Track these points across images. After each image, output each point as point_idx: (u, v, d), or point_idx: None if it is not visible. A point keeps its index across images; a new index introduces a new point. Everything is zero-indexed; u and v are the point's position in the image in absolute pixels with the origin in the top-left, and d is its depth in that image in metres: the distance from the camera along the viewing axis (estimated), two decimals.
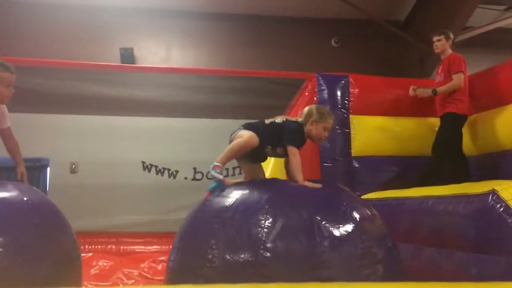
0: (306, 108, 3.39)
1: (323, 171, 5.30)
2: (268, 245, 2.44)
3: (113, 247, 6.13)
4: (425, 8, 7.65)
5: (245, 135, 3.11)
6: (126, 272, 4.55)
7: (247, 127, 3.28)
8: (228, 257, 2.49)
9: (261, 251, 2.43)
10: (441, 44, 4.88)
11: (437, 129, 5.09)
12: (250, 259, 2.44)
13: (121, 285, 4.16)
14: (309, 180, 3.07)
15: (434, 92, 4.90)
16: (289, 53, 8.04)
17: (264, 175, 3.47)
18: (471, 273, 3.05)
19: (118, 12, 7.72)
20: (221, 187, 2.99)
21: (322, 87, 5.55)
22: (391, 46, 8.16)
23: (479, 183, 3.46)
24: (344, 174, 5.29)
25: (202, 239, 2.65)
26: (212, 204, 2.86)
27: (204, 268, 2.54)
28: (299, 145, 3.20)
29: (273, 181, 3.05)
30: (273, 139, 3.22)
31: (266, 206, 2.60)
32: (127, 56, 7.39)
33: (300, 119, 3.33)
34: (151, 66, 7.34)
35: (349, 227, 2.56)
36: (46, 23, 7.62)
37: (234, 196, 2.78)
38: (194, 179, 7.65)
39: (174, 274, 2.78)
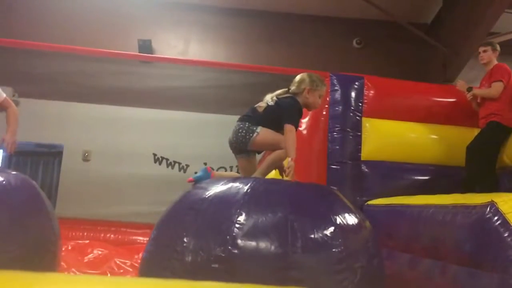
0: (298, 77, 3.37)
1: (329, 173, 5.12)
2: (237, 241, 2.33)
3: (112, 235, 6.15)
4: (451, 12, 7.34)
5: (280, 142, 3.14)
6: (118, 262, 4.50)
7: (246, 120, 3.23)
8: (196, 250, 2.39)
9: (229, 247, 2.31)
10: (487, 56, 4.70)
11: (453, 138, 4.91)
12: (217, 254, 2.32)
13: (109, 275, 4.09)
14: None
15: (469, 90, 4.76)
16: (309, 52, 7.88)
17: (255, 168, 3.41)
18: None
19: (138, 3, 7.73)
20: (206, 178, 3.04)
21: (336, 87, 5.34)
22: (414, 50, 7.88)
23: (481, 194, 3.24)
24: (352, 178, 5.08)
25: (174, 230, 2.56)
26: (190, 195, 2.77)
27: (171, 260, 2.44)
28: (297, 122, 3.22)
29: (257, 178, 2.94)
30: (274, 125, 3.20)
31: (241, 201, 2.48)
32: (145, 47, 7.39)
33: (292, 88, 3.31)
34: (168, 57, 7.30)
35: (326, 230, 2.41)
36: (66, 10, 7.69)
37: (213, 188, 2.68)
38: None
39: (145, 265, 2.70)
